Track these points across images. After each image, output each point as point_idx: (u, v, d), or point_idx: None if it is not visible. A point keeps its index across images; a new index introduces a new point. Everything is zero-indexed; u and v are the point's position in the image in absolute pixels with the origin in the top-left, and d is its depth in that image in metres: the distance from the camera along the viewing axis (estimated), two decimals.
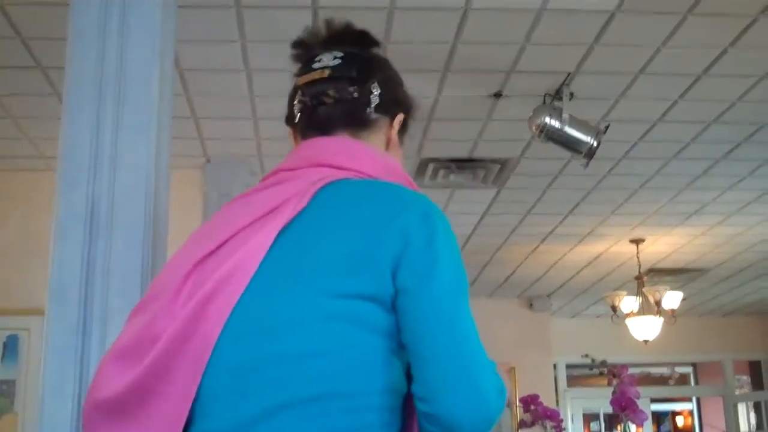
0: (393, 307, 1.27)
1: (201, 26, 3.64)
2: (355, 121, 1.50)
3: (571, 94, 4.31)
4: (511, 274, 8.21)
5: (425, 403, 1.23)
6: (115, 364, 1.30)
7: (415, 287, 1.27)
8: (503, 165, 5.42)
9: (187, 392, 1.23)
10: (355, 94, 1.49)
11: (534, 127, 4.31)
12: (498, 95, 4.41)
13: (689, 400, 11.96)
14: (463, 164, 5.35)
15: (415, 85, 4.53)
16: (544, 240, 7.12)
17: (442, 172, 5.49)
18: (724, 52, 4.01)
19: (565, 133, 4.29)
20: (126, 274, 2.22)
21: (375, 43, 1.58)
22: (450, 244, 1.33)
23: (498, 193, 5.95)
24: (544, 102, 4.37)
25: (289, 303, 1.25)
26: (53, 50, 3.71)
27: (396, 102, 1.56)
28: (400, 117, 1.56)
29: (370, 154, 1.47)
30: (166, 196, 2.40)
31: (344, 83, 1.49)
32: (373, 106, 1.50)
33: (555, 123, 4.26)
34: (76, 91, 2.35)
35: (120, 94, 2.34)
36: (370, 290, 1.26)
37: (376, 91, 1.51)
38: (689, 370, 11.44)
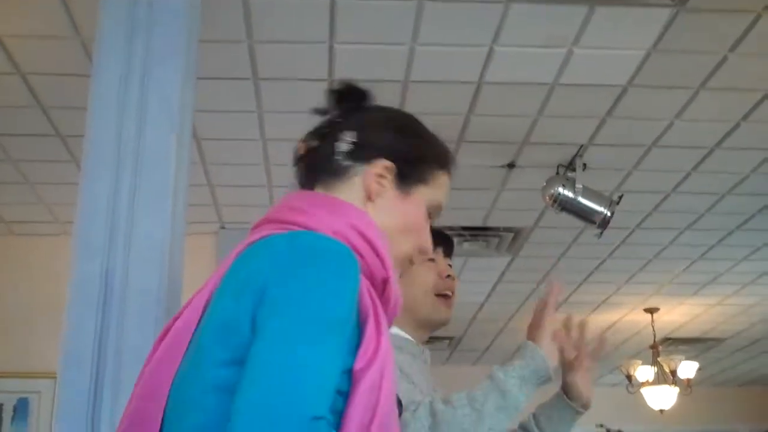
0: None
1: (219, 97, 3.70)
2: (321, 170, 1.41)
3: (584, 165, 4.34)
4: None
5: None
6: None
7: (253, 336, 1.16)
8: (517, 233, 5.43)
9: None
10: (315, 143, 1.43)
11: (547, 197, 4.33)
12: (511, 166, 4.45)
13: None
14: (477, 232, 5.36)
15: None
16: (558, 309, 7.06)
17: (455, 240, 5.49)
18: (737, 126, 4.04)
19: (579, 203, 4.30)
20: (139, 341, 2.23)
21: (361, 95, 1.49)
22: (300, 287, 1.18)
23: (511, 261, 5.95)
24: (558, 173, 4.40)
25: (183, 377, 1.22)
26: (72, 119, 3.77)
27: (375, 148, 1.42)
28: (381, 162, 1.40)
29: (322, 205, 1.35)
30: (180, 263, 2.41)
31: (313, 135, 1.44)
32: (340, 152, 1.40)
33: (568, 193, 4.28)
34: (94, 159, 2.38)
35: (137, 163, 2.37)
36: (239, 356, 1.16)
37: (350, 138, 1.40)
38: None
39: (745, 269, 6.08)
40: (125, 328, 2.23)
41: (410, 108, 3.81)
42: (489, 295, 6.71)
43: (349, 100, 1.48)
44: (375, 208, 1.41)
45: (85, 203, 2.35)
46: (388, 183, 1.42)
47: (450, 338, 7.87)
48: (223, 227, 5.19)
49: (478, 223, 5.26)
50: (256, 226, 1.38)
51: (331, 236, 1.28)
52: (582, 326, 2.14)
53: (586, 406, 2.07)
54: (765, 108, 3.87)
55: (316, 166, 1.43)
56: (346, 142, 1.41)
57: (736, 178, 4.62)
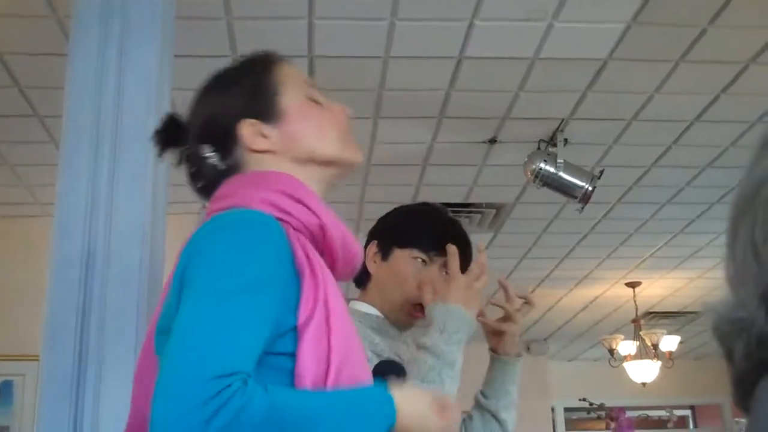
0: None
1: (198, 75, 3.66)
2: (217, 183, 1.44)
3: (566, 140, 4.34)
4: None
5: None
6: None
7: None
8: (498, 210, 5.44)
9: None
10: (193, 169, 1.48)
11: (529, 173, 4.34)
12: (493, 141, 4.45)
13: None
14: (459, 209, 5.37)
15: (410, 132, 4.59)
16: (540, 284, 7.12)
17: None
18: (716, 98, 4.05)
19: (560, 178, 4.31)
20: (121, 321, 2.23)
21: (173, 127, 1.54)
22: (211, 260, 1.21)
23: (494, 237, 5.97)
24: (539, 148, 4.40)
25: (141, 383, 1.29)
26: (51, 99, 3.74)
27: (222, 126, 1.43)
28: (239, 126, 1.42)
29: (249, 183, 1.37)
30: (162, 242, 2.41)
31: (188, 170, 1.51)
32: (211, 161, 1.43)
33: (550, 168, 4.29)
34: (73, 139, 2.37)
35: (116, 141, 2.36)
36: None
37: (204, 150, 1.44)
38: (688, 412, 11.37)
39: (725, 242, 6.12)
40: (107, 309, 2.22)
41: (391, 84, 3.83)
42: None
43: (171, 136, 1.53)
44: (281, 155, 1.41)
45: (64, 184, 2.34)
46: (263, 128, 1.41)
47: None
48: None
49: (460, 200, 5.26)
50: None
51: (258, 206, 1.29)
52: (504, 285, 2.19)
53: (519, 354, 2.15)
54: (744, 80, 3.89)
55: (211, 185, 1.43)
56: (207, 151, 1.43)
57: (716, 151, 4.64)
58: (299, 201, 1.33)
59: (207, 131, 1.44)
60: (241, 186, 1.36)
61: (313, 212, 1.33)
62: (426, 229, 2.05)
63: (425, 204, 2.21)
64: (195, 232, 1.28)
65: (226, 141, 1.41)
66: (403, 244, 2.01)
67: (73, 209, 2.31)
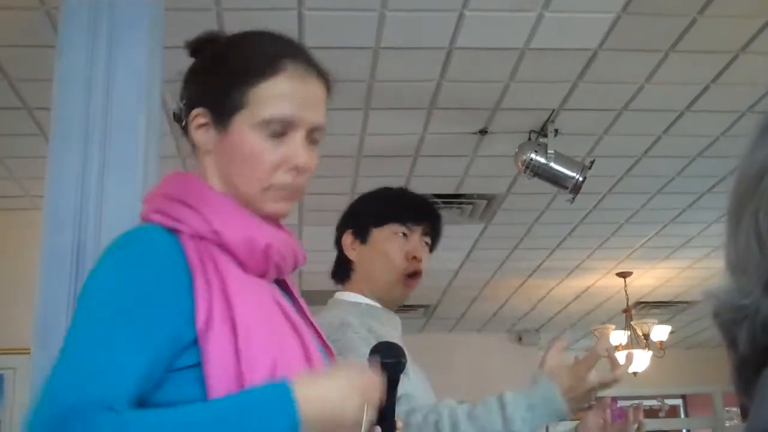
0: None
1: (185, 66, 3.65)
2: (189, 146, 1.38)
3: (556, 131, 4.35)
4: (499, 309, 8.20)
5: None
6: None
7: None
8: (490, 201, 5.44)
9: None
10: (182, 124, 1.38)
11: (520, 163, 4.34)
12: (483, 132, 4.45)
13: None
14: (450, 200, 5.37)
15: (401, 123, 4.58)
16: (531, 275, 7.13)
17: None
18: (707, 88, 4.06)
19: (551, 168, 4.32)
20: None
21: (192, 50, 1.42)
22: (100, 269, 1.22)
23: (485, 228, 5.97)
24: (530, 138, 4.40)
25: None
26: (40, 91, 3.72)
27: (186, 102, 1.36)
28: (194, 113, 1.33)
29: (157, 186, 1.38)
30: None
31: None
32: (183, 125, 1.36)
33: (540, 159, 4.29)
34: (62, 132, 2.36)
35: (106, 134, 2.34)
36: None
37: (178, 106, 1.38)
38: (679, 402, 11.41)
39: (716, 232, 6.14)
40: None
41: (382, 76, 3.82)
42: (463, 263, 6.73)
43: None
44: (213, 158, 1.34)
45: (54, 177, 2.33)
46: (208, 129, 1.33)
47: (425, 306, 7.90)
48: None
49: (451, 191, 5.26)
50: None
51: (151, 217, 1.28)
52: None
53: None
54: (734, 70, 3.89)
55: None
56: (177, 111, 1.39)
57: (707, 140, 4.65)
58: (192, 207, 1.27)
59: (186, 88, 1.39)
60: (155, 190, 1.36)
61: (205, 219, 1.26)
62: (399, 203, 2.16)
63: (385, 187, 2.25)
64: None
65: (179, 113, 1.38)
66: (381, 222, 2.08)
67: (63, 202, 2.29)
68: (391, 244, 2.06)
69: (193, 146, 1.36)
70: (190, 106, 1.34)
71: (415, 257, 2.08)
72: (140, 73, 2.41)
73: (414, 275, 2.07)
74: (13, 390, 4.84)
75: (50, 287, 2.23)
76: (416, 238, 2.10)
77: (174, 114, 1.40)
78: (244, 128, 1.29)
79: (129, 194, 2.31)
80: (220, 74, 1.33)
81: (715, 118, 4.39)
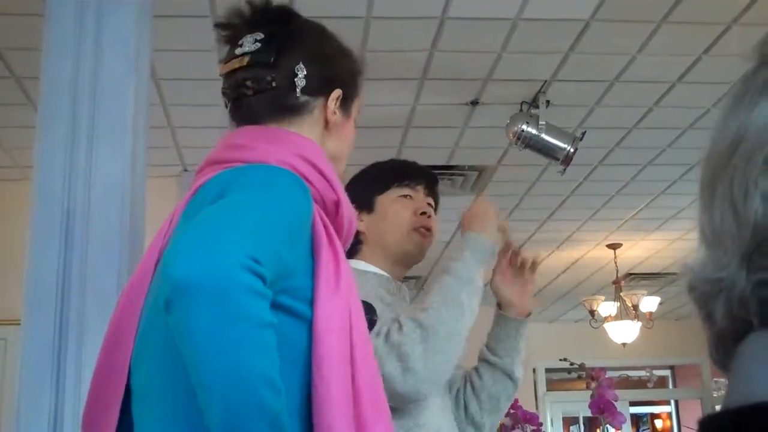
0: None
1: (176, 36, 3.63)
2: (281, 109, 1.40)
3: (548, 102, 4.34)
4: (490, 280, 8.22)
5: None
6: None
7: None
8: (481, 172, 5.44)
9: (109, 423, 1.25)
10: (275, 83, 1.39)
11: (511, 135, 4.33)
12: (475, 103, 4.43)
13: (668, 402, 12.02)
14: (441, 171, 5.36)
15: (392, 93, 4.56)
16: (522, 246, 7.10)
17: None
18: (698, 59, 4.05)
19: (542, 140, 4.31)
20: (102, 283, 2.22)
21: (298, 16, 1.48)
22: (240, 193, 1.21)
23: (476, 200, 5.97)
24: (521, 110, 4.39)
25: (148, 325, 1.25)
26: (28, 61, 3.69)
27: (328, 79, 1.44)
28: (335, 93, 1.44)
29: (269, 139, 1.37)
30: (142, 205, 2.39)
31: (263, 71, 1.39)
32: (298, 90, 1.40)
33: (532, 130, 4.28)
34: (51, 102, 2.35)
35: (95, 104, 2.33)
36: None
37: (302, 73, 1.40)
38: (667, 372, 11.50)
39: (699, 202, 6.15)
40: (88, 272, 2.22)
41: (373, 45, 3.80)
42: (454, 234, 6.74)
43: (272, 21, 1.45)
44: (330, 136, 1.44)
45: (43, 146, 2.32)
46: (337, 110, 1.45)
47: (417, 278, 7.92)
48: (185, 170, 5.14)
49: (443, 162, 5.25)
50: (200, 171, 1.40)
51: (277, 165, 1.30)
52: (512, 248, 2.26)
53: (525, 313, 2.17)
54: (726, 41, 3.88)
55: (272, 104, 1.40)
56: (303, 77, 1.40)
57: (698, 112, 4.65)
58: (320, 172, 1.34)
59: (316, 62, 1.43)
60: (260, 140, 1.36)
61: (332, 186, 1.34)
62: (397, 168, 2.21)
63: (376, 162, 2.30)
64: (220, 178, 1.27)
65: (319, 83, 1.42)
66: (383, 189, 2.12)
67: (52, 172, 2.29)
68: (398, 205, 2.09)
69: (296, 109, 1.41)
70: (327, 82, 1.42)
71: (424, 212, 2.12)
72: (129, 42, 2.39)
73: (426, 229, 2.11)
74: (3, 361, 4.84)
75: (40, 258, 2.23)
76: (421, 197, 2.14)
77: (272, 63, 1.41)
78: (354, 115, 1.51)
79: (118, 164, 2.30)
80: (348, 64, 1.49)
81: (707, 90, 4.39)
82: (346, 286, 1.25)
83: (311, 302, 1.20)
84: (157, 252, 1.28)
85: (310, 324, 1.20)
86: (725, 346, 0.60)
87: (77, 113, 2.32)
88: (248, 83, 1.39)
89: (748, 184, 0.57)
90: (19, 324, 2.24)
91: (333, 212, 1.34)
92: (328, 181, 1.34)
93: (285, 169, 1.28)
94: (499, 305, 2.17)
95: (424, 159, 5.13)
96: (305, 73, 1.40)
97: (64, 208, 2.26)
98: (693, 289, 0.59)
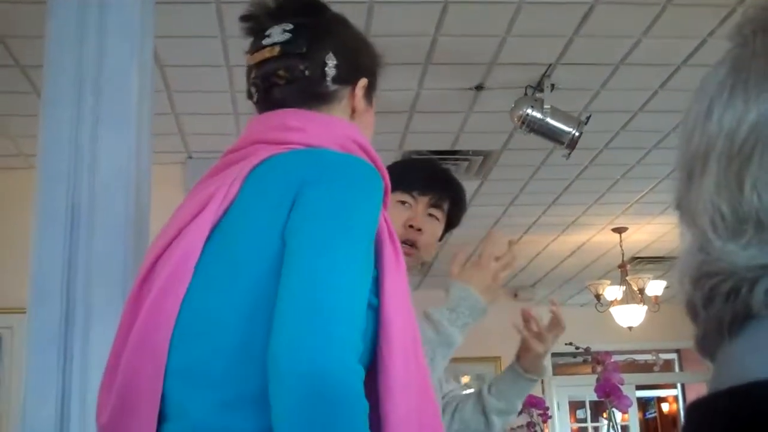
0: None
1: (181, 22, 3.62)
2: (312, 97, 1.42)
3: (552, 86, 4.32)
4: None
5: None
6: (103, 389, 1.32)
7: (289, 231, 1.21)
8: (486, 157, 5.43)
9: (150, 407, 1.22)
10: (307, 72, 1.41)
11: (516, 119, 4.32)
12: (479, 88, 4.42)
13: (674, 386, 12.03)
14: (446, 156, 5.36)
15: (396, 78, 4.55)
16: (527, 230, 7.13)
17: None
18: (704, 42, 4.03)
19: (547, 123, 4.30)
20: (108, 271, 2.22)
21: (326, 9, 1.50)
22: (338, 192, 1.24)
23: (481, 184, 5.96)
24: (526, 93, 4.38)
25: (212, 298, 1.23)
26: (32, 48, 3.69)
27: (356, 68, 1.46)
28: (362, 82, 1.47)
29: (319, 123, 1.39)
30: (147, 192, 2.39)
31: (295, 61, 1.40)
32: (329, 79, 1.42)
33: (537, 114, 4.27)
34: (55, 89, 2.34)
35: (99, 91, 2.33)
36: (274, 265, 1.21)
37: (332, 62, 1.42)
38: (674, 356, 11.50)
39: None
40: (93, 259, 2.21)
41: (377, 30, 3.78)
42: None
43: (299, 11, 1.46)
44: (346, 125, 1.44)
45: (47, 134, 2.31)
46: (363, 98, 1.47)
47: (421, 263, 7.92)
48: (190, 157, 5.14)
49: (447, 147, 5.25)
50: (237, 150, 1.39)
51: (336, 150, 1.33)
52: (528, 315, 2.19)
53: (540, 376, 2.14)
54: (730, 24, 3.86)
55: (304, 92, 1.42)
56: (333, 66, 1.42)
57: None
58: (370, 156, 1.38)
59: (345, 51, 1.46)
60: (312, 123, 1.38)
61: (382, 173, 1.35)
62: (407, 170, 2.12)
63: (411, 158, 2.25)
64: (295, 159, 1.29)
65: (347, 73, 1.44)
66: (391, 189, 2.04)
67: (57, 160, 2.28)
68: (393, 210, 1.99)
69: (326, 97, 1.43)
70: (355, 71, 1.45)
71: (412, 226, 2.02)
72: (132, 29, 2.39)
73: (409, 244, 2.01)
74: (10, 349, 4.86)
75: (46, 246, 2.23)
76: (420, 209, 2.04)
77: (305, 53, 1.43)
78: (373, 110, 1.52)
79: (122, 152, 2.30)
80: (373, 56, 1.52)
81: None
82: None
83: (377, 289, 1.25)
84: (208, 228, 1.27)
85: (375, 310, 1.24)
86: (723, 334, 0.59)
87: (81, 101, 2.32)
88: (281, 72, 1.41)
89: None
90: (25, 312, 2.24)
91: (384, 199, 1.35)
92: (378, 167, 1.36)
93: (362, 160, 1.32)
94: (518, 357, 2.13)
95: (428, 144, 5.15)
96: (335, 62, 1.42)
97: (69, 196, 2.25)
98: (725, 277, 0.58)
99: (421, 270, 8.18)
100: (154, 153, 2.56)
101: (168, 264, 1.27)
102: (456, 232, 7.46)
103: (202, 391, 1.20)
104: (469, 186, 6.02)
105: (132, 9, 2.40)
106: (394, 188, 2.05)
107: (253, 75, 1.45)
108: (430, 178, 2.09)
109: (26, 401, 2.15)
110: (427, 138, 5.08)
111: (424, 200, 2.05)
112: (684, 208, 0.64)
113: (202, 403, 1.20)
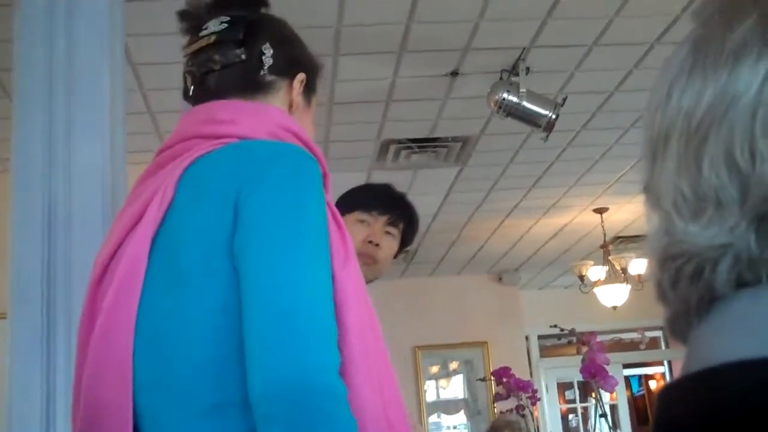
0: None
1: (151, 19, 3.59)
2: (248, 85, 1.40)
3: (528, 69, 4.32)
4: (479, 250, 8.24)
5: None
6: (74, 400, 1.30)
7: (239, 244, 1.17)
8: (464, 143, 5.43)
9: (123, 424, 1.20)
10: (243, 56, 1.39)
11: (492, 104, 4.32)
12: (455, 74, 4.42)
13: (661, 363, 12.11)
14: (425, 144, 5.36)
15: (371, 68, 4.53)
16: (509, 215, 7.15)
17: (403, 153, 5.49)
18: (677, 19, 4.04)
19: (524, 107, 4.30)
20: (87, 271, 2.20)
21: (263, 3, 1.50)
22: (281, 194, 1.20)
23: (461, 170, 5.97)
24: (501, 78, 4.38)
25: (174, 312, 1.20)
26: (1, 52, 3.65)
27: (293, 62, 1.46)
28: (300, 76, 1.46)
29: (250, 113, 1.36)
30: (124, 192, 2.37)
31: (231, 47, 1.40)
32: (266, 67, 1.41)
33: (513, 98, 4.27)
34: (26, 92, 2.32)
35: (70, 92, 2.31)
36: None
37: (269, 52, 1.41)
38: (659, 333, 11.57)
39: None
40: (72, 261, 2.20)
41: (349, 20, 3.77)
42: (441, 206, 6.74)
43: (237, 6, 1.46)
44: (281, 114, 1.42)
45: (20, 137, 2.30)
46: (300, 95, 1.46)
47: (405, 251, 7.93)
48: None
49: (425, 134, 5.24)
50: (170, 146, 1.37)
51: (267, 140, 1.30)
52: None
53: None
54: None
55: (240, 79, 1.40)
56: (270, 56, 1.41)
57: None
58: (305, 143, 1.36)
59: (282, 43, 1.45)
60: (242, 114, 1.36)
61: (318, 158, 1.33)
62: (367, 192, 2.32)
63: (368, 183, 2.39)
64: (229, 154, 1.26)
65: (285, 64, 1.43)
66: (350, 210, 2.20)
67: (31, 163, 2.27)
68: (353, 228, 2.14)
69: (263, 87, 1.41)
70: (293, 64, 1.45)
71: (371, 241, 2.20)
72: (102, 28, 2.37)
73: (369, 259, 2.18)
74: None
75: (23, 249, 2.22)
76: (378, 227, 2.22)
77: (238, 39, 1.42)
78: (312, 112, 1.50)
79: (97, 152, 2.28)
80: (311, 54, 1.50)
81: None
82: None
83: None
84: (149, 240, 1.23)
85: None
86: (691, 317, 0.60)
87: (53, 103, 2.30)
88: (216, 57, 1.39)
89: (756, 145, 0.55)
90: (5, 317, 2.23)
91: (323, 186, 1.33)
92: (312, 150, 1.34)
93: (294, 146, 1.30)
94: None
95: (406, 132, 5.15)
96: (272, 52, 1.41)
97: (45, 199, 2.24)
98: (688, 258, 0.58)
99: (405, 258, 8.19)
100: (131, 153, 2.54)
101: (115, 280, 1.24)
102: (439, 218, 7.50)
103: (178, 401, 1.18)
104: (448, 173, 6.04)
105: (101, 8, 2.38)
106: (355, 208, 2.20)
107: (189, 65, 1.44)
108: (389, 200, 2.28)
109: (11, 405, 2.14)
110: (405, 126, 5.07)
111: (382, 219, 2.23)
112: (649, 190, 0.64)
113: (180, 412, 1.18)
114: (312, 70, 1.50)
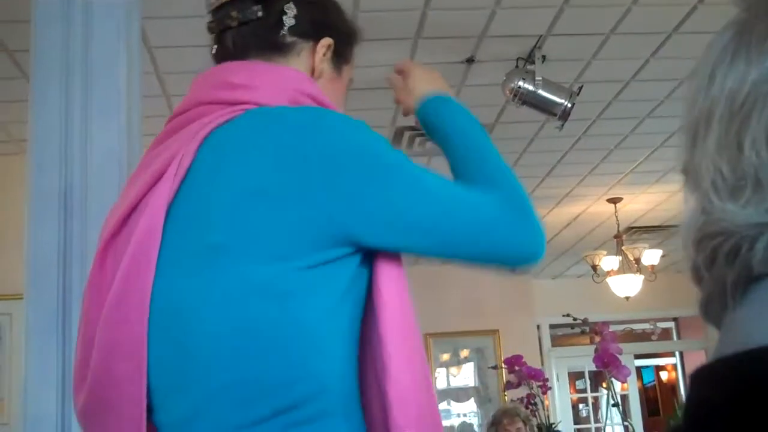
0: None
1: (166, 2, 3.60)
2: (265, 44, 1.34)
3: (544, 57, 4.31)
4: None
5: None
6: (77, 374, 1.26)
7: (352, 211, 1.16)
8: None
9: (136, 400, 1.17)
10: (260, 13, 1.33)
11: (508, 92, 4.31)
12: (470, 61, 4.41)
13: (672, 354, 12.08)
14: None
15: (386, 54, 4.53)
16: None
17: (418, 140, 5.48)
18: (694, 8, 4.02)
19: (539, 95, 4.29)
20: None
21: None
22: (344, 135, 1.20)
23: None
24: (517, 66, 4.37)
25: (195, 283, 1.16)
26: (19, 33, 3.66)
27: (321, 25, 1.38)
28: (326, 41, 1.37)
29: (266, 77, 1.31)
30: None
31: (249, 3, 1.33)
32: (286, 27, 1.34)
33: (528, 86, 4.26)
34: (43, 74, 2.33)
35: (87, 74, 2.32)
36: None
37: (291, 12, 1.34)
38: (671, 324, 11.54)
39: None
40: (88, 242, 2.21)
41: (366, 6, 3.77)
42: None
43: None
44: (304, 79, 1.36)
45: (37, 120, 2.31)
46: (327, 62, 1.40)
47: None
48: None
49: None
50: (183, 112, 1.32)
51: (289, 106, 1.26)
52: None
53: None
54: None
55: (257, 38, 1.35)
56: (292, 16, 1.35)
57: (695, 63, 4.60)
58: (326, 107, 1.32)
59: (310, 4, 1.38)
60: (258, 78, 1.30)
61: None
62: None
63: None
64: (244, 119, 1.22)
65: (309, 27, 1.37)
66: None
67: (48, 145, 2.28)
68: None
69: (282, 48, 1.36)
70: (320, 27, 1.38)
71: None
72: (119, 10, 2.38)
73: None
74: (10, 335, 4.86)
75: (40, 232, 2.23)
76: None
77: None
78: (346, 81, 1.45)
79: (113, 133, 2.29)
80: (345, 20, 1.44)
81: (703, 40, 4.30)
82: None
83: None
84: (163, 213, 1.18)
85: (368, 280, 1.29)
86: (727, 299, 0.60)
87: (70, 85, 2.31)
88: (233, 14, 1.33)
89: None
90: (23, 298, 2.24)
91: None
92: None
93: (323, 109, 1.27)
94: None
95: None
96: (295, 12, 1.35)
97: (62, 181, 2.25)
98: (726, 237, 0.58)
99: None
100: (146, 135, 2.54)
101: (129, 246, 1.19)
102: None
103: (194, 382, 1.15)
104: None
105: None
106: None
107: (210, 21, 1.38)
108: None
109: (27, 387, 2.16)
110: None
111: None
112: (688, 171, 0.64)
113: (202, 387, 1.15)
114: (345, 37, 1.42)
